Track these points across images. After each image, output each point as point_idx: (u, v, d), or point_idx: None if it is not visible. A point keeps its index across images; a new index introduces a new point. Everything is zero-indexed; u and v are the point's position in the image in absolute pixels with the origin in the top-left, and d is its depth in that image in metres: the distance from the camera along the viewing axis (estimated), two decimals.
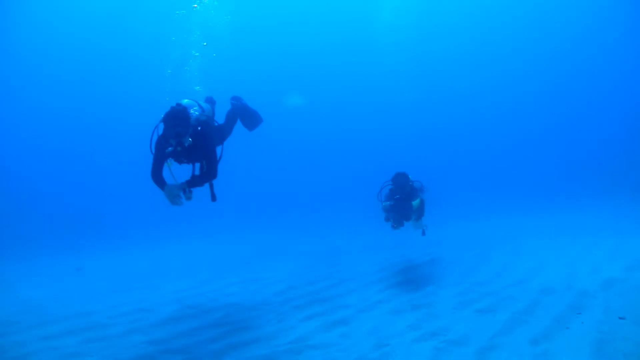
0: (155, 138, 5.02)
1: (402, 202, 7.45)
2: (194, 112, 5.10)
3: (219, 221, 16.80)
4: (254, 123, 6.72)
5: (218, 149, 5.52)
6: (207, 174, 5.15)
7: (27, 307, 6.73)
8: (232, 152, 6.21)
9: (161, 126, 4.90)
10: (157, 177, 5.03)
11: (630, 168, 18.56)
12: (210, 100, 6.35)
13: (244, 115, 6.56)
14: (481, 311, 5.16)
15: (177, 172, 5.16)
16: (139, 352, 4.55)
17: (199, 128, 5.10)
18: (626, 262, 6.83)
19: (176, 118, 4.71)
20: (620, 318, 4.36)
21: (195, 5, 9.20)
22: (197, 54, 8.00)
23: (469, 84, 29.15)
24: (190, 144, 4.87)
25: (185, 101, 5.31)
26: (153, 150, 5.03)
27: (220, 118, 6.19)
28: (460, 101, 29.22)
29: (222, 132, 5.92)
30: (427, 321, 4.97)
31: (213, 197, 5.43)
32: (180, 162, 5.18)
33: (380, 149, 24.98)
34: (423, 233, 8.32)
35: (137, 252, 13.08)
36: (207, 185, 5.32)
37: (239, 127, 6.59)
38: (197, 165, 5.30)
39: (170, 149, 4.82)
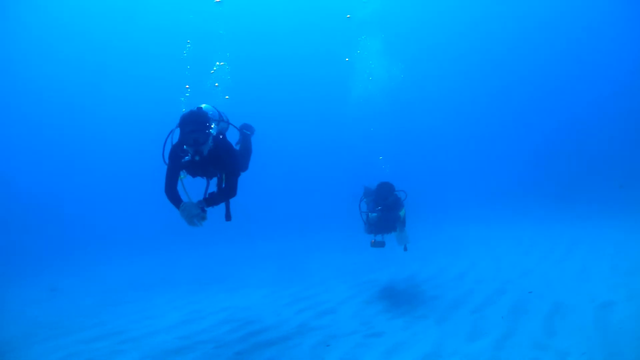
0: (169, 146, 4.44)
1: (385, 213, 7.07)
2: (213, 116, 4.60)
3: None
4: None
5: None
6: (227, 191, 4.51)
7: (42, 321, 7.31)
8: None
9: (177, 132, 4.33)
10: (173, 192, 4.38)
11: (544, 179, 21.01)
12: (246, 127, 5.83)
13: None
14: (433, 298, 6.75)
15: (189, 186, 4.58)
16: (174, 346, 5.57)
17: (221, 137, 4.57)
18: (539, 256, 8.81)
19: (194, 123, 4.15)
20: (529, 292, 6.13)
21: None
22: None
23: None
24: (211, 154, 4.34)
25: (204, 106, 4.73)
26: (167, 161, 4.44)
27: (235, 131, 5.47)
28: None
29: (242, 156, 5.33)
30: (394, 306, 6.49)
31: (228, 217, 4.78)
32: (194, 175, 4.67)
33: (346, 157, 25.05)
34: (405, 249, 7.68)
35: (104, 268, 13.47)
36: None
37: None
38: (213, 181, 4.78)
39: (187, 158, 4.25)
